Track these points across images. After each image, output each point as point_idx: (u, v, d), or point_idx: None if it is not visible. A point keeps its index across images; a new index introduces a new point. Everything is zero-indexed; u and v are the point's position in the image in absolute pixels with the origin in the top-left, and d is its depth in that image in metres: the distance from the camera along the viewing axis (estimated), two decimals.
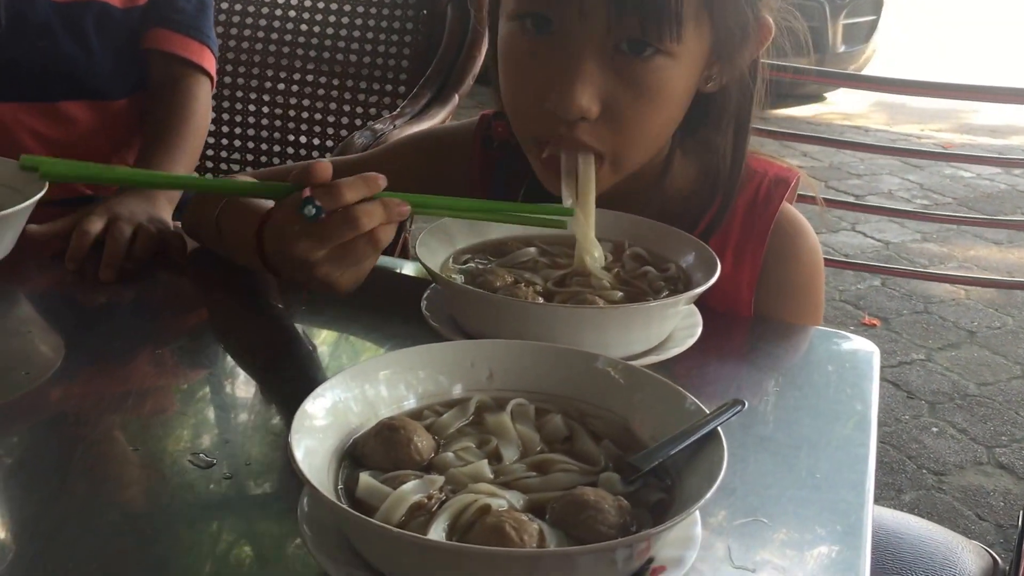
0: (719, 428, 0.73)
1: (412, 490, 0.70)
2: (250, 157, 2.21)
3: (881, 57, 7.29)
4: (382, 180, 0.95)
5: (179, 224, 1.30)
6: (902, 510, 2.54)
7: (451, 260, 1.06)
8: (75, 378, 1.00)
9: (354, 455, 0.75)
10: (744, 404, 0.77)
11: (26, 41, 1.54)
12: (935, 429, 2.95)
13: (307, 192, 0.92)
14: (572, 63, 0.99)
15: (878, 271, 3.67)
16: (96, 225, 1.24)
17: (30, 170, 0.93)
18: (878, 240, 4.37)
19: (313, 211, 0.91)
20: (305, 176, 0.93)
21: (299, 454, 0.68)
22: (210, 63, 1.67)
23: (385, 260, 1.18)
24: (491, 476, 0.74)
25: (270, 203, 1.08)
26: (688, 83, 1.05)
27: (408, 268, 1.25)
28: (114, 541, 0.76)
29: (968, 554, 1.21)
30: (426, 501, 0.70)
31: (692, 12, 0.98)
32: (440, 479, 0.72)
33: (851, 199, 4.84)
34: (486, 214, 1.03)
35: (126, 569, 0.73)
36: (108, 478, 0.85)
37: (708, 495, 0.66)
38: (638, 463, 0.74)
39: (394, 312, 1.11)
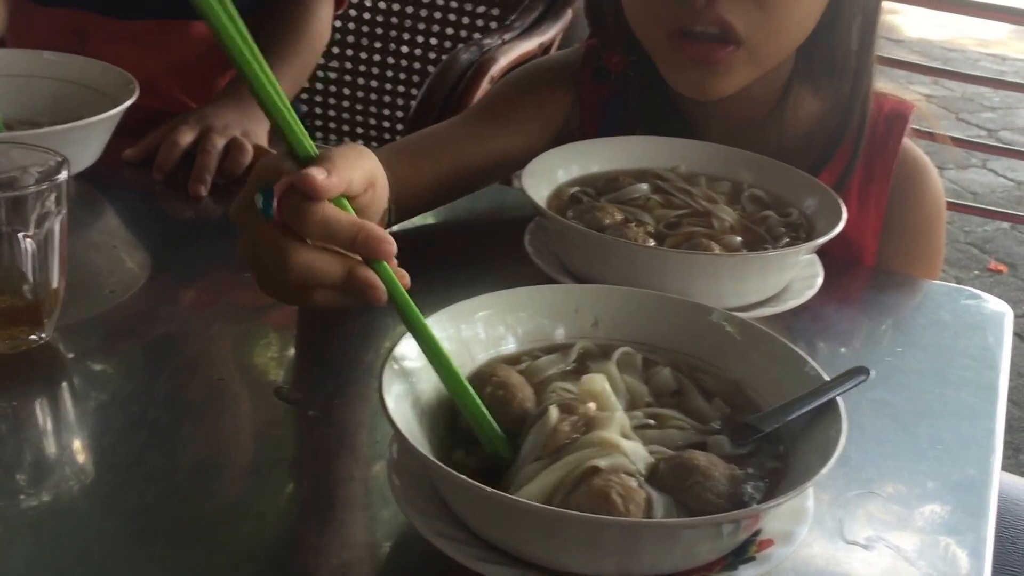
0: (838, 399, 0.67)
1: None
2: (347, 75, 2.16)
3: None
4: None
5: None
6: (1019, 470, 2.43)
7: (558, 193, 1.01)
8: (160, 299, 0.97)
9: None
10: (869, 373, 0.71)
11: None
12: None
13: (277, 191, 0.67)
14: None
15: (1008, 219, 3.43)
16: (187, 136, 1.20)
17: None
18: (1010, 180, 4.13)
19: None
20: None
21: (390, 401, 0.64)
22: None
23: (488, 189, 1.14)
24: (612, 393, 0.70)
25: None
26: None
27: (511, 197, 1.19)
28: (195, 477, 0.74)
29: None
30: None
31: None
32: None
33: (984, 133, 4.63)
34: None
35: (207, 507, 0.71)
36: (191, 409, 0.82)
37: (824, 471, 0.61)
38: (757, 423, 0.69)
39: (495, 245, 1.07)
